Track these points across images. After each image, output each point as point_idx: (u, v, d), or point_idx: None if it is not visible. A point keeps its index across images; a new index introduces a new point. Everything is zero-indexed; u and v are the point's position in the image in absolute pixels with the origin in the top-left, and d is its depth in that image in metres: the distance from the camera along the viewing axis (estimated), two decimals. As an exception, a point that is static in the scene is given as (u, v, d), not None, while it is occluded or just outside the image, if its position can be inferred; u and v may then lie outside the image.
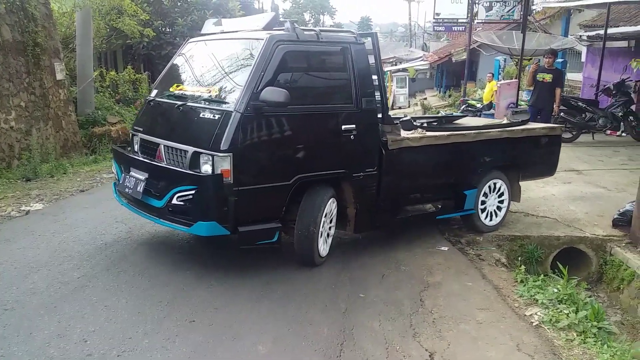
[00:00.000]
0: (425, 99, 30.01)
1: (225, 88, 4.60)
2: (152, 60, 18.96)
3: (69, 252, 5.12)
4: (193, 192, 4.22)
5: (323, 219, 4.77)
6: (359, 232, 5.51)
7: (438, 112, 20.38)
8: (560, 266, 4.86)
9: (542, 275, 4.98)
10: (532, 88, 10.50)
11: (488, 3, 15.19)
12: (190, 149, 4.39)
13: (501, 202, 6.36)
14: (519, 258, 6.08)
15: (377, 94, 5.29)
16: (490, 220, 6.32)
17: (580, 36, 16.11)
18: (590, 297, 4.89)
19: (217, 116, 4.34)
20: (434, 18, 21.02)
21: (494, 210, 6.33)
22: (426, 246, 5.79)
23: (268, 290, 4.48)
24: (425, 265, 5.27)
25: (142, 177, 4.71)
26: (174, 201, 4.33)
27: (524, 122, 6.91)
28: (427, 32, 51.92)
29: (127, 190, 4.85)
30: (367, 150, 5.08)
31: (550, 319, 4.14)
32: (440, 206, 6.29)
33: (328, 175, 4.88)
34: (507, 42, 15.00)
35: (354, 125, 4.85)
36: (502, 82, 14.02)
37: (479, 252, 5.79)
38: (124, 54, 18.40)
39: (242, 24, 5.29)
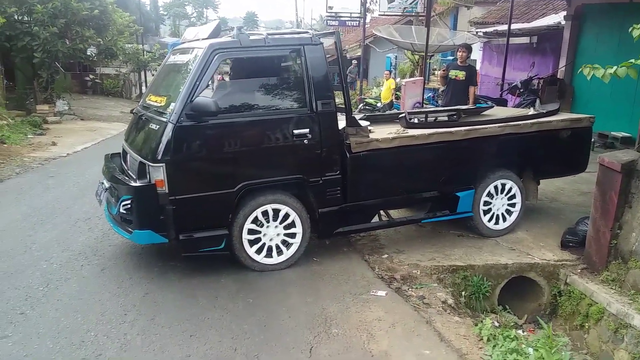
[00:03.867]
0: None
1: (170, 98, 4.59)
2: (6, 53, 16.16)
3: None
4: (130, 201, 4.38)
5: (249, 224, 4.66)
6: (324, 237, 5.31)
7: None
8: (541, 322, 3.78)
9: (513, 331, 3.87)
10: (444, 87, 9.68)
11: (390, -6, 14.36)
12: (139, 159, 4.49)
13: (512, 204, 5.82)
14: (463, 293, 5.06)
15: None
16: (497, 223, 5.80)
17: (477, 32, 15.83)
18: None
19: (157, 127, 4.43)
20: (327, 12, 20.09)
21: (503, 213, 5.82)
22: (358, 290, 4.52)
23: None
24: (363, 323, 3.98)
25: (107, 185, 4.90)
26: (122, 209, 4.46)
27: (551, 113, 6.19)
28: (313, 29, 51.53)
29: (97, 197, 5.11)
30: (326, 155, 4.83)
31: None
32: (429, 209, 5.74)
33: (280, 182, 4.74)
34: (406, 37, 14.24)
35: (307, 130, 4.66)
36: (408, 80, 13.22)
37: (420, 292, 4.62)
38: (-27, 47, 15.44)
39: (199, 32, 5.20)
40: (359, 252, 5.43)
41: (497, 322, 4.73)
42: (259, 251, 4.78)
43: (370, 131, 5.18)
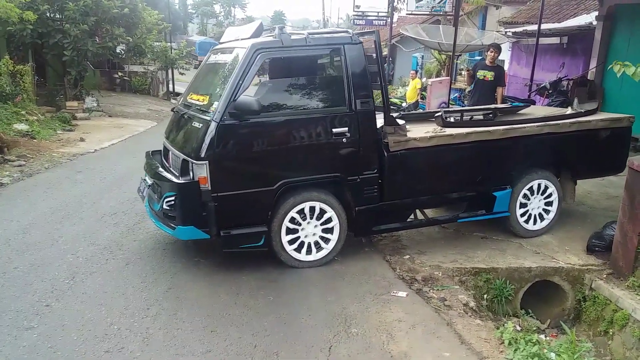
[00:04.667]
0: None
1: (212, 97, 4.69)
2: (38, 49, 16.47)
3: None
4: (173, 198, 4.47)
5: (288, 221, 4.72)
6: (360, 235, 5.36)
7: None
8: (565, 326, 3.73)
9: (535, 335, 3.81)
10: (470, 87, 9.59)
11: (418, -8, 14.26)
12: (182, 156, 4.60)
13: (548, 204, 5.78)
14: (485, 296, 5.00)
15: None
16: (532, 223, 5.78)
17: (506, 32, 15.60)
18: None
19: (201, 125, 4.52)
20: (354, 11, 20.04)
21: (540, 214, 5.79)
22: (379, 291, 4.51)
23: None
24: (383, 323, 3.97)
25: (149, 182, 5.05)
26: (164, 205, 4.55)
27: (590, 112, 6.15)
28: (341, 28, 51.56)
29: (139, 193, 5.32)
30: (364, 153, 4.88)
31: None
32: (465, 208, 5.75)
33: (318, 180, 4.80)
34: (433, 37, 14.13)
35: (346, 128, 4.71)
36: (434, 79, 13.11)
37: (442, 294, 4.58)
38: (7, 43, 15.77)
39: (239, 32, 5.32)
40: (380, 252, 5.41)
41: (519, 326, 4.67)
42: (295, 247, 4.85)
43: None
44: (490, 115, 6.00)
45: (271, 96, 4.76)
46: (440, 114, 5.71)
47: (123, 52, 18.75)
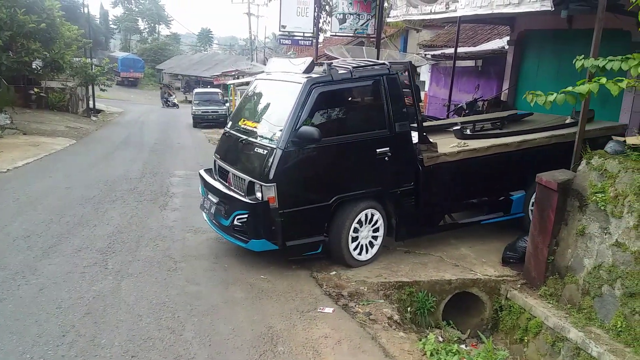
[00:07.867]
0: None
1: (273, 126, 5.29)
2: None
3: None
4: (247, 216, 5.11)
5: (354, 226, 5.35)
6: (400, 239, 5.97)
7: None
8: (482, 336, 3.88)
9: (455, 346, 3.95)
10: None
11: (341, 15, 14.53)
12: (247, 178, 5.26)
13: None
14: (408, 309, 5.13)
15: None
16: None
17: (425, 54, 16.25)
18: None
19: (265, 151, 5.13)
20: (280, 30, 20.20)
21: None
22: (305, 308, 4.53)
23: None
24: (310, 340, 3.99)
25: (215, 200, 5.65)
26: (235, 222, 5.21)
27: (588, 120, 6.73)
28: (267, 47, 51.71)
29: (204, 210, 5.94)
30: (403, 169, 5.63)
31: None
32: (486, 211, 6.45)
33: (364, 194, 5.45)
34: (357, 57, 14.48)
35: (387, 148, 5.41)
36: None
37: (367, 309, 4.67)
38: None
39: (287, 66, 5.89)
40: (307, 269, 5.44)
41: (441, 337, 4.83)
42: (354, 248, 5.46)
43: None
44: (498, 124, 6.81)
45: (324, 124, 5.22)
46: (459, 127, 6.49)
47: (39, 67, 17.96)
